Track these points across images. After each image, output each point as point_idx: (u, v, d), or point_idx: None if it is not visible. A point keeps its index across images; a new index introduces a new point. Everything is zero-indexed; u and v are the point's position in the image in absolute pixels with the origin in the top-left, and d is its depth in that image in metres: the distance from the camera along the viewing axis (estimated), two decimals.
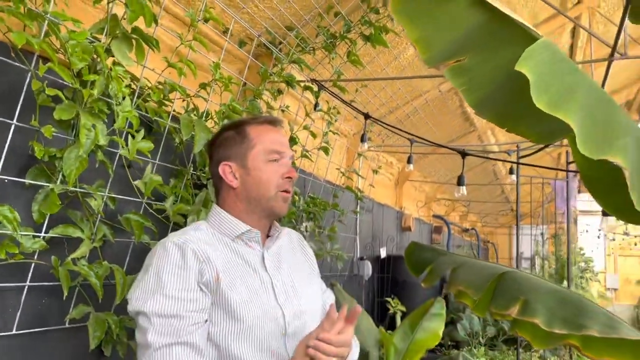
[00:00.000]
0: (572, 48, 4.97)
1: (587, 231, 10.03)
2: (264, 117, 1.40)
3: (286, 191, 1.30)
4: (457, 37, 1.22)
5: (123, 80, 1.64)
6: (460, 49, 1.24)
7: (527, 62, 1.05)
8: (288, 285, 1.32)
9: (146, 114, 1.93)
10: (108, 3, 1.64)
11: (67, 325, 1.75)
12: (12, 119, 1.52)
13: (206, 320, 1.14)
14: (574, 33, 4.72)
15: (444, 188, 8.10)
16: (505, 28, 1.19)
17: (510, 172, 3.49)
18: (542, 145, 3.61)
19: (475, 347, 4.21)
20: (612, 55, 2.39)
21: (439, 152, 5.56)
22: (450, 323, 4.94)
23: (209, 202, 2.12)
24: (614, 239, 11.83)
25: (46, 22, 1.47)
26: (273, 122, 1.37)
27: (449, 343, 4.60)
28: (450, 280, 1.78)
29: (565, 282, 7.79)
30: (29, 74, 1.51)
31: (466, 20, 1.20)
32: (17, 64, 1.51)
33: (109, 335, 1.81)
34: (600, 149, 1.05)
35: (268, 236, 1.38)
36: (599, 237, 10.03)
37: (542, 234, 8.84)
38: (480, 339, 4.46)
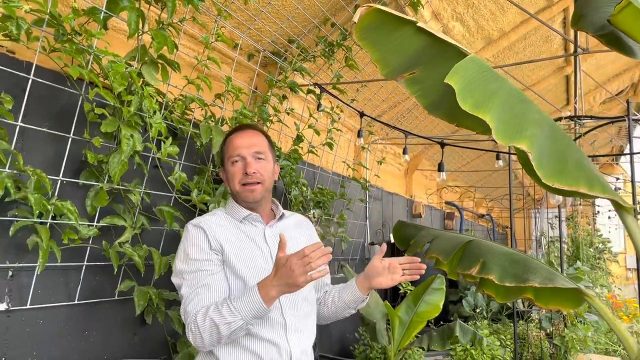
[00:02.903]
0: (564, 39, 5.21)
1: (599, 212, 10.17)
2: (235, 127, 1.77)
3: (247, 184, 1.66)
4: (408, 56, 1.58)
5: (153, 98, 2.03)
6: (412, 65, 1.59)
7: (454, 75, 1.41)
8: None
9: (171, 123, 2.34)
10: (138, 36, 2.04)
11: (116, 297, 2.16)
12: (69, 133, 1.93)
13: (219, 272, 1.54)
14: (565, 23, 4.97)
15: (455, 175, 8.39)
16: (443, 48, 1.54)
17: (497, 157, 3.80)
18: None
19: (479, 321, 4.55)
20: (575, 51, 2.70)
21: (446, 142, 5.87)
22: (459, 301, 5.26)
23: (227, 194, 2.52)
24: None
25: (92, 55, 1.87)
26: (238, 130, 1.74)
27: (458, 319, 4.92)
28: (427, 250, 2.14)
29: (578, 262, 8.00)
30: (81, 98, 1.93)
31: (413, 43, 1.56)
32: (71, 90, 1.93)
33: (149, 307, 2.22)
34: (511, 138, 1.40)
35: (274, 217, 1.77)
36: (609, 217, 10.16)
37: (556, 216, 9.02)
38: (485, 313, 4.79)
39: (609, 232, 11.43)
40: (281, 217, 1.77)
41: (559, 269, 4.71)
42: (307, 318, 1.67)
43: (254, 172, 1.64)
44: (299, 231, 1.80)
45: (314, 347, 1.75)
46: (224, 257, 1.57)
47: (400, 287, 4.90)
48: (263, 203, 1.71)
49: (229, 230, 1.63)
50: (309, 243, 1.81)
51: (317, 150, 3.39)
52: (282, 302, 1.59)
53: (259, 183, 1.66)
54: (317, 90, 3.22)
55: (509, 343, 4.18)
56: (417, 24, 1.50)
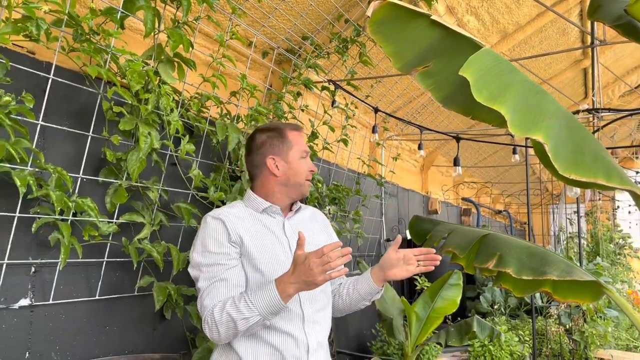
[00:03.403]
0: (581, 31, 5.15)
1: (618, 207, 10.03)
2: (293, 125, 1.83)
3: (309, 180, 1.75)
4: (422, 49, 1.58)
5: (170, 96, 2.06)
6: (426, 58, 1.59)
7: (468, 68, 1.41)
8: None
9: (188, 121, 2.36)
10: (154, 35, 2.06)
11: (136, 293, 2.20)
12: (89, 132, 1.97)
13: (236, 266, 1.55)
14: (582, 15, 4.91)
15: (472, 171, 8.34)
16: (457, 41, 1.54)
17: (514, 152, 3.78)
18: None
19: (497, 317, 4.52)
20: (592, 42, 2.67)
21: (461, 137, 5.84)
22: (476, 297, 5.23)
23: (243, 191, 2.54)
24: None
25: (109, 55, 1.90)
26: (300, 129, 1.81)
27: (475, 315, 4.90)
28: (444, 244, 2.14)
29: (598, 258, 7.90)
30: (99, 97, 1.96)
31: (427, 36, 1.55)
32: (90, 89, 1.96)
33: (168, 302, 2.24)
34: (526, 129, 1.39)
35: (291, 210, 1.79)
36: (630, 212, 10.00)
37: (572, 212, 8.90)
38: (502, 309, 4.75)
39: (630, 227, 11.24)
40: (298, 210, 1.80)
41: (578, 264, 4.66)
42: (323, 310, 1.69)
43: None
44: (314, 224, 1.83)
45: (331, 342, 1.76)
46: (243, 250, 1.58)
47: (417, 283, 4.89)
48: (293, 198, 1.77)
49: (248, 222, 1.65)
50: (326, 235, 1.85)
51: (332, 147, 3.40)
52: (300, 293, 1.60)
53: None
54: (332, 87, 3.23)
55: (527, 339, 4.15)
56: (431, 17, 1.50)
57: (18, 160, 1.63)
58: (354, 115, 3.65)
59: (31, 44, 1.82)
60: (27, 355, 1.79)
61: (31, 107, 1.68)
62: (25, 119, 1.69)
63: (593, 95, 3.93)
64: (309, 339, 1.57)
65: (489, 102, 1.41)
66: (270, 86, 3.08)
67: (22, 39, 1.68)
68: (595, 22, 2.49)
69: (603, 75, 5.99)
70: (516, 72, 1.50)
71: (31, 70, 1.81)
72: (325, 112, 3.23)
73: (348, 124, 3.51)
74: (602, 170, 1.46)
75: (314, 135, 3.16)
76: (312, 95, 3.56)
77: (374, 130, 3.35)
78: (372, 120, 4.75)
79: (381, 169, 4.69)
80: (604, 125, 3.49)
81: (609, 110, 3.35)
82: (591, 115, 3.68)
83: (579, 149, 1.48)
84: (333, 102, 3.24)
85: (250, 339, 1.54)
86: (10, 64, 1.66)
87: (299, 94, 3.08)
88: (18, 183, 1.62)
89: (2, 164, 1.62)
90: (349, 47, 3.20)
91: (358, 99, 3.26)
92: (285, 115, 2.94)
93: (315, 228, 1.82)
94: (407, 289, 5.30)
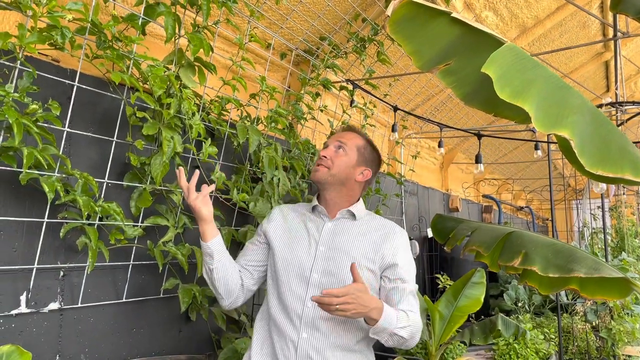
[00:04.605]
0: (602, 24, 5.06)
1: None
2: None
3: (318, 165, 1.77)
4: (443, 47, 1.57)
5: (191, 100, 2.08)
6: (446, 56, 1.59)
7: (491, 65, 1.40)
8: (333, 250, 1.68)
9: (209, 124, 2.38)
10: (175, 40, 2.08)
11: (161, 295, 2.22)
12: (113, 137, 2.00)
13: (256, 244, 1.84)
14: (602, 8, 4.83)
15: (492, 168, 8.25)
16: (479, 37, 1.53)
17: (536, 147, 3.73)
18: None
19: (521, 315, 4.47)
20: (615, 35, 2.62)
21: (483, 134, 5.78)
22: (500, 295, 5.19)
23: (264, 193, 2.55)
24: None
25: (132, 61, 1.93)
26: (338, 131, 1.91)
27: (500, 313, 4.85)
28: (467, 242, 2.13)
29: (624, 254, 7.76)
30: (123, 102, 1.99)
31: (448, 34, 1.55)
32: (113, 95, 1.99)
33: (193, 304, 2.27)
34: (551, 126, 1.38)
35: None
36: None
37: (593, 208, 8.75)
38: (526, 307, 4.70)
39: None
40: (353, 217, 1.75)
41: (604, 260, 4.58)
42: (333, 320, 1.59)
43: (324, 156, 1.75)
44: (369, 234, 1.72)
45: None
46: (270, 243, 1.79)
47: (439, 282, 4.86)
48: (333, 194, 1.75)
49: (291, 219, 1.80)
50: (378, 249, 1.68)
51: None
52: (309, 293, 1.62)
53: (324, 166, 1.74)
54: (350, 87, 3.23)
55: (553, 337, 4.10)
56: (452, 14, 1.50)
57: (46, 167, 1.66)
58: (372, 114, 3.64)
59: (56, 52, 1.85)
60: (57, 358, 1.83)
61: (57, 114, 1.71)
62: (51, 126, 1.73)
63: (616, 88, 3.86)
64: (301, 342, 1.56)
65: (513, 98, 1.40)
66: (289, 87, 3.09)
67: (47, 47, 1.71)
68: (617, 14, 2.45)
69: (625, 67, 5.88)
70: (539, 67, 1.49)
71: (56, 78, 1.84)
72: (344, 111, 3.23)
73: (367, 123, 3.50)
74: (629, 165, 1.44)
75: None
76: (330, 95, 3.56)
77: (393, 129, 3.34)
78: (391, 119, 4.73)
79: (401, 167, 4.67)
80: (629, 119, 3.43)
81: (633, 103, 3.29)
82: (614, 108, 3.62)
83: (605, 144, 1.45)
84: (352, 101, 3.24)
85: (266, 333, 1.68)
86: (37, 72, 1.70)
87: (317, 94, 3.09)
88: (46, 189, 1.65)
89: (30, 171, 1.66)
90: (367, 46, 3.20)
91: (377, 97, 3.26)
92: (305, 116, 2.95)
93: (361, 241, 1.70)
94: (430, 287, 5.27)
